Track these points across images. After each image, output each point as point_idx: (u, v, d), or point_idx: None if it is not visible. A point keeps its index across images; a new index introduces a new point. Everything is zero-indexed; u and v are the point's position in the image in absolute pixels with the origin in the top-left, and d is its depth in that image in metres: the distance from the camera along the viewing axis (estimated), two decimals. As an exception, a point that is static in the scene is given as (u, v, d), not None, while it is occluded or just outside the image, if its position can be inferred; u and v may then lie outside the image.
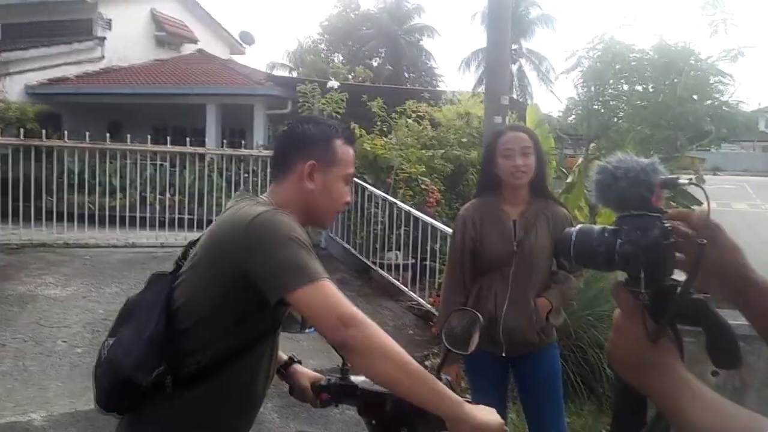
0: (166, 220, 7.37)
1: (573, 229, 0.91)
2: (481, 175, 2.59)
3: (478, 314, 1.48)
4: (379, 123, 7.44)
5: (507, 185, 2.40)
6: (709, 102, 4.81)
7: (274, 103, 11.99)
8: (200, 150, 7.66)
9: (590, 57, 5.09)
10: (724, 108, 4.86)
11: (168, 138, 7.33)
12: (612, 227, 0.88)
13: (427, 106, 8.11)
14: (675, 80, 4.94)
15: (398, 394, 1.24)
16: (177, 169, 7.65)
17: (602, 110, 5.26)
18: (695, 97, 4.88)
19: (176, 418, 1.37)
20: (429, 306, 5.58)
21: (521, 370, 2.49)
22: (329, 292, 1.26)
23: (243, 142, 8.59)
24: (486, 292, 2.41)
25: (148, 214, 7.19)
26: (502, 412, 2.53)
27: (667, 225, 0.85)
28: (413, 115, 7.58)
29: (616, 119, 5.30)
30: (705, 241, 0.82)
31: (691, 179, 0.90)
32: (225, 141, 8.88)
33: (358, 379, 1.48)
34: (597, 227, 0.90)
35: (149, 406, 1.36)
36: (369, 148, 7.03)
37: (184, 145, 7.30)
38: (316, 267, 1.29)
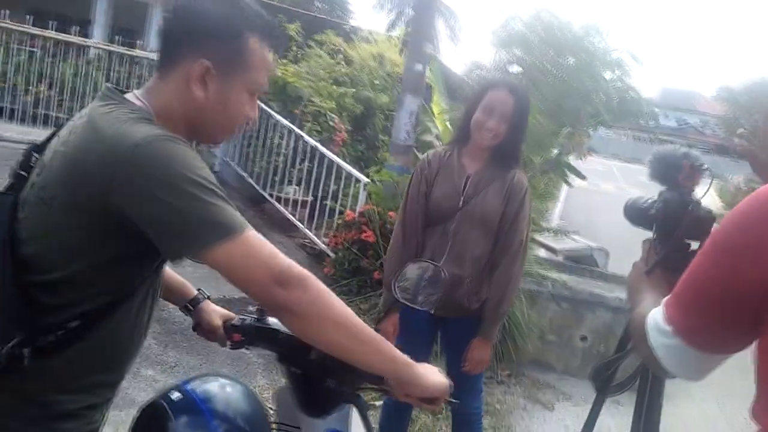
0: (38, 116, 6.58)
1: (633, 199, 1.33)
2: (460, 122, 2.41)
3: (442, 269, 1.39)
4: (294, 49, 7.04)
5: (473, 138, 2.27)
6: (620, 84, 5.03)
7: (174, 7, 10.93)
8: (86, 41, 6.81)
9: (518, 19, 5.10)
10: (630, 93, 5.11)
11: (51, 24, 6.45)
12: (654, 198, 1.27)
13: (343, 41, 7.80)
14: (587, 58, 5.11)
15: (344, 360, 1.07)
16: (55, 60, 6.79)
17: (521, 77, 5.31)
18: (606, 77, 5.07)
19: (39, 385, 1.07)
20: (323, 246, 5.48)
21: (448, 331, 2.42)
22: (253, 247, 0.99)
23: (140, 42, 7.77)
24: (424, 246, 2.29)
25: (18, 107, 6.36)
26: None
27: (689, 198, 1.19)
28: (330, 47, 7.26)
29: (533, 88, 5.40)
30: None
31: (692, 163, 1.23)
32: (119, 38, 7.96)
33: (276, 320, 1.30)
34: (645, 198, 1.31)
35: (3, 378, 1.03)
36: (280, 74, 6.65)
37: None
38: (232, 216, 0.99)
